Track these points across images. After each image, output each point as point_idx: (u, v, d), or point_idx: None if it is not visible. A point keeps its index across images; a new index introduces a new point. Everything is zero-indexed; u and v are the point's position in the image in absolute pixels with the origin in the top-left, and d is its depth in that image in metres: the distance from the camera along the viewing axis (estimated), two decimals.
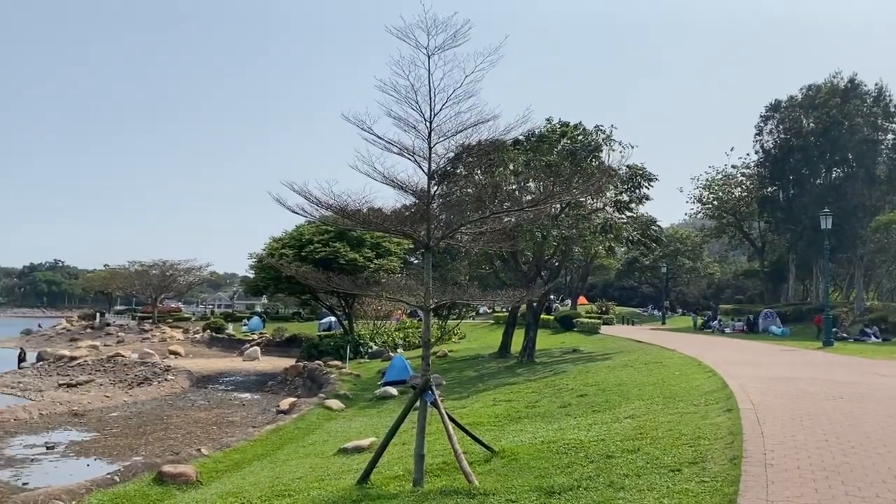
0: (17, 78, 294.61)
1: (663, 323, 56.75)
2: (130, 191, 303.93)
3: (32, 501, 10.59)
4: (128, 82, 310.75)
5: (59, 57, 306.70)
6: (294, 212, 9.32)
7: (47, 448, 18.88)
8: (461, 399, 19.25)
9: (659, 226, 33.52)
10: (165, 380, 33.96)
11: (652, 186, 29.44)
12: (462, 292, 10.07)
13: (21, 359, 46.08)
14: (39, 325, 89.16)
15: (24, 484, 14.79)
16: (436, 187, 9.09)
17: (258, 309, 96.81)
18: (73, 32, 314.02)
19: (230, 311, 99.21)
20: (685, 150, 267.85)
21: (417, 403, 8.54)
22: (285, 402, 23.20)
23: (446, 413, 8.38)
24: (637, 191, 29.35)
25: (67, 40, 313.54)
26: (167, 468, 12.27)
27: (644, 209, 31.14)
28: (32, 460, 17.46)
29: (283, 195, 9.00)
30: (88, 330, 75.66)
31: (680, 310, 75.03)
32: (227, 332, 63.52)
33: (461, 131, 8.64)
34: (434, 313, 12.42)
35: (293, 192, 8.81)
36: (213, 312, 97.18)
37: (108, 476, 12.57)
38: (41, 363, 44.89)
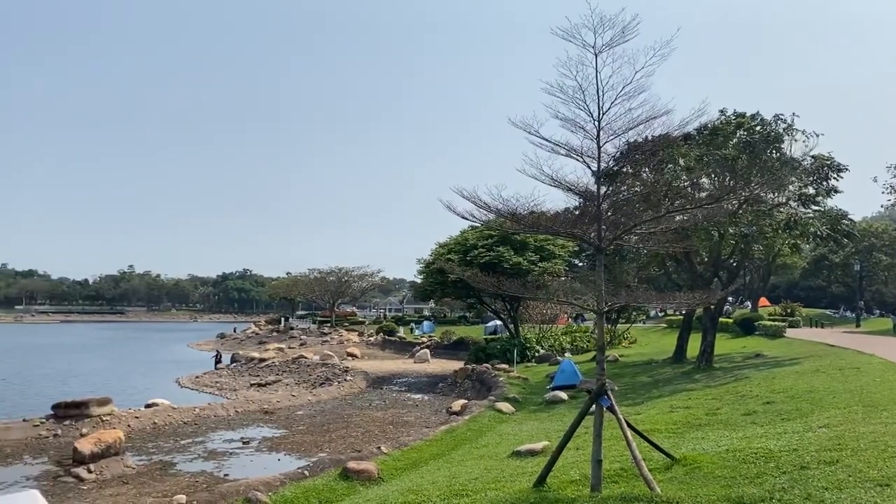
0: (215, 97, 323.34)
1: (857, 325, 51.89)
2: (306, 202, 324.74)
3: (235, 491, 11.56)
4: (308, 93, 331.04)
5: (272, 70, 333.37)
6: (464, 217, 9.50)
7: (243, 443, 20.51)
8: (635, 405, 18.69)
9: (851, 220, 30.68)
10: (345, 380, 35.81)
11: (841, 177, 27.04)
12: (637, 295, 9.76)
13: (217, 360, 50.57)
14: (235, 329, 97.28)
15: (225, 475, 16.15)
16: (604, 187, 8.92)
17: (426, 313, 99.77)
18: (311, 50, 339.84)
19: (400, 314, 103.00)
20: (880, 137, 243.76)
21: (593, 408, 8.39)
22: (456, 404, 23.65)
23: (624, 418, 8.17)
24: (824, 183, 27.07)
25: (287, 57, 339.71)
26: (351, 465, 12.91)
27: (833, 202, 28.66)
28: (231, 454, 19.02)
29: (454, 201, 9.20)
30: (274, 333, 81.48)
31: (877, 311, 68.27)
32: (398, 335, 65.99)
33: (632, 128, 8.42)
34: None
35: (463, 198, 8.99)
36: (385, 316, 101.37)
37: (299, 470, 13.45)
38: (234, 364, 48.97)
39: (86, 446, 15.67)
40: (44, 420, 20.56)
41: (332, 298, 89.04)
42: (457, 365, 38.38)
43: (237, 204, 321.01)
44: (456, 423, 19.04)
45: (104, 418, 20.85)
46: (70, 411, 20.73)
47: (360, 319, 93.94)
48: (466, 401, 24.77)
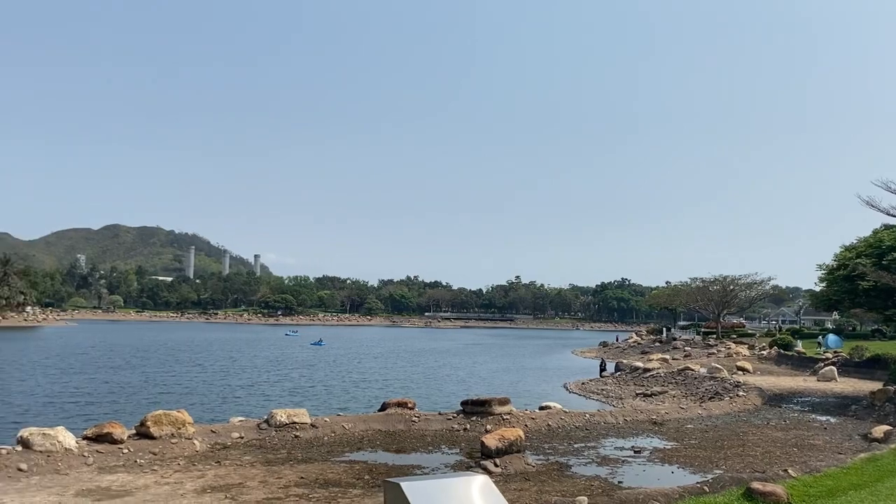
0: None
1: None
2: (686, 209, 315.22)
3: (634, 499, 11.49)
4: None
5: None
6: (889, 214, 8.15)
7: (634, 452, 20.38)
8: None
9: None
10: (737, 395, 33.58)
11: None
12: None
13: (602, 368, 51.52)
14: (617, 338, 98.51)
15: (619, 482, 16.17)
16: None
17: (828, 325, 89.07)
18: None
19: (796, 326, 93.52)
20: None
21: None
22: (878, 430, 20.49)
23: None
24: None
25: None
26: (756, 485, 11.92)
27: None
28: (623, 461, 19.02)
29: (876, 196, 7.93)
30: (656, 344, 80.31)
31: None
32: (795, 349, 59.91)
33: None
34: None
35: (890, 191, 7.69)
36: (778, 328, 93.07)
37: (698, 485, 12.85)
38: (619, 373, 49.34)
39: (492, 442, 17.03)
40: (455, 415, 22.96)
41: (717, 308, 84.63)
42: (871, 385, 33.36)
43: (614, 215, 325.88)
44: (880, 452, 16.44)
45: (504, 417, 22.55)
46: (475, 408, 22.83)
47: (749, 331, 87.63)
48: (890, 427, 21.30)
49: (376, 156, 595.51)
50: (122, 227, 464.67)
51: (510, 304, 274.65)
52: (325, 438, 20.05)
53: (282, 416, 20.29)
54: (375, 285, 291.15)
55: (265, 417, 20.62)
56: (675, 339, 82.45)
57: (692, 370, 43.97)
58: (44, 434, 16.07)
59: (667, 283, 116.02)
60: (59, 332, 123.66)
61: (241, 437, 19.14)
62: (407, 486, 6.61)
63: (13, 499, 12.86)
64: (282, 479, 14.90)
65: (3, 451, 15.43)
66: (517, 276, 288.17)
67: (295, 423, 20.25)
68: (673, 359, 58.89)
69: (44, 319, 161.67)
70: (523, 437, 17.99)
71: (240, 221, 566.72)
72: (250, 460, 16.81)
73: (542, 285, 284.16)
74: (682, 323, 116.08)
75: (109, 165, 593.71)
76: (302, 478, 15.00)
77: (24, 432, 16.20)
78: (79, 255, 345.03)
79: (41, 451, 15.62)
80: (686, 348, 70.13)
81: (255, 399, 38.45)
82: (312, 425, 20.62)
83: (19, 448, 15.72)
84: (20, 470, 14.82)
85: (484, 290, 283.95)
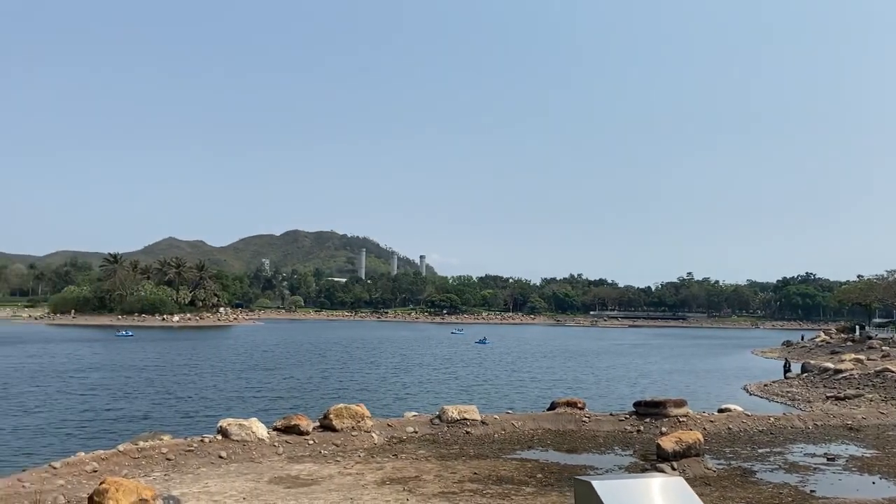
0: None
1: None
2: (862, 194, 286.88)
3: None
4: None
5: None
6: None
7: (828, 459, 18.79)
8: None
9: None
10: None
11: None
12: None
13: (786, 369, 48.03)
14: (802, 337, 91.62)
15: (811, 491, 14.99)
16: None
17: None
18: None
19: None
20: None
21: None
22: None
23: None
24: None
25: None
26: None
27: None
28: (815, 469, 17.60)
29: None
30: (848, 343, 73.75)
31: None
32: None
33: None
34: None
35: None
36: None
37: None
38: (805, 374, 45.78)
39: (668, 444, 16.38)
40: (627, 416, 22.34)
41: None
42: None
43: (795, 206, 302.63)
44: None
45: (680, 419, 21.62)
46: (649, 410, 22.08)
47: None
48: None
49: (537, 154, 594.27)
50: (300, 233, 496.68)
51: (681, 302, 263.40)
52: (496, 435, 20.23)
53: (453, 412, 20.73)
54: (538, 284, 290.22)
55: (437, 413, 21.16)
56: (870, 337, 75.23)
57: (892, 371, 39.89)
58: (240, 425, 17.49)
59: (858, 276, 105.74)
60: (248, 330, 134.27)
61: (416, 432, 19.77)
62: (599, 484, 6.45)
63: (215, 483, 14.09)
64: (455, 473, 15.21)
65: (206, 440, 16.97)
66: (689, 273, 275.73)
67: (465, 419, 20.62)
68: (869, 359, 53.65)
69: (234, 319, 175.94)
70: (702, 440, 17.16)
71: (406, 224, 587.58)
72: (425, 454, 17.31)
73: (716, 282, 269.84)
74: (877, 320, 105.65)
75: (288, 177, 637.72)
76: (475, 473, 15.23)
77: (223, 423, 17.72)
78: (263, 260, 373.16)
79: (238, 441, 17.01)
80: (883, 348, 63.69)
81: (426, 395, 39.62)
82: (483, 422, 20.89)
83: (219, 437, 17.22)
84: (220, 457, 16.22)
85: (652, 288, 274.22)
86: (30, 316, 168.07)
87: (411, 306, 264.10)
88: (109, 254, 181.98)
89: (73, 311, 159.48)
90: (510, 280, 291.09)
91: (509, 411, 24.24)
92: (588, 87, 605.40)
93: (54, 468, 14.27)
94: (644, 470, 16.18)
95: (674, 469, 15.89)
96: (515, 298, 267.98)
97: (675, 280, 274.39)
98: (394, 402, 36.45)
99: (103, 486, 10.42)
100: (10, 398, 35.70)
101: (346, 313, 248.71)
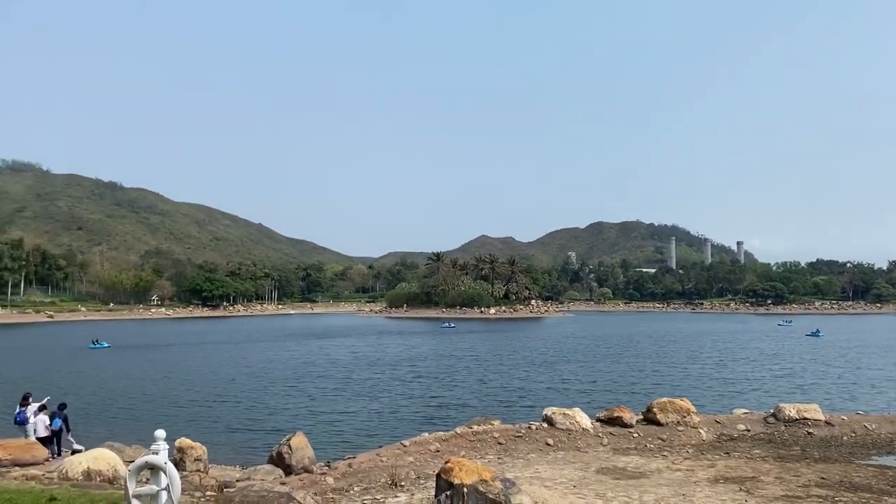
0: None
1: None
2: None
3: None
4: None
5: None
6: None
7: None
8: None
9: None
10: None
11: None
12: None
13: None
14: None
15: None
16: None
17: None
18: None
19: None
20: None
21: None
22: None
23: None
24: None
25: None
26: None
27: None
28: None
29: None
30: None
31: None
32: None
33: None
34: None
35: None
36: None
37: None
38: None
39: None
40: None
41: None
42: None
43: None
44: None
45: None
46: None
47: None
48: None
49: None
50: (605, 225, 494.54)
51: None
52: (844, 438, 18.08)
53: (790, 410, 19.00)
54: (885, 268, 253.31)
55: (771, 411, 19.57)
56: None
57: None
58: (564, 414, 17.91)
59: None
60: (558, 322, 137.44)
61: (748, 430, 18.48)
62: None
63: (545, 469, 14.58)
64: (799, 477, 13.88)
65: (534, 427, 17.66)
66: None
67: (806, 419, 18.76)
68: None
69: (545, 311, 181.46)
70: None
71: (719, 209, 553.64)
72: (760, 454, 16.08)
73: None
74: None
75: (591, 171, 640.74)
76: (823, 478, 13.74)
77: (548, 411, 18.29)
78: (570, 253, 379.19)
79: (563, 429, 17.42)
80: None
81: (753, 392, 36.82)
82: (827, 423, 18.83)
83: (545, 425, 17.81)
84: (547, 444, 16.76)
85: None
86: (370, 310, 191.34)
87: (729, 296, 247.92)
88: (433, 253, 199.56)
89: (404, 304, 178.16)
90: (847, 265, 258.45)
91: (860, 412, 21.52)
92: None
93: (404, 446, 15.97)
94: None
95: None
96: (855, 285, 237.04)
97: None
98: (717, 398, 34.49)
99: (448, 465, 11.34)
100: (354, 384, 40.85)
101: (657, 305, 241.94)
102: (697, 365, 52.73)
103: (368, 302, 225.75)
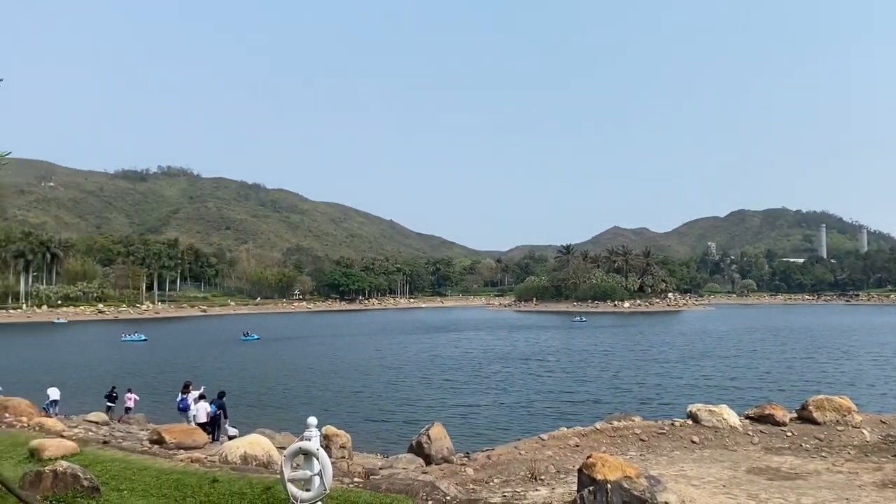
0: None
1: None
2: None
3: None
4: None
5: None
6: None
7: None
8: None
9: None
10: None
11: None
12: None
13: None
14: None
15: None
16: None
17: None
18: None
19: None
20: None
21: None
22: None
23: None
24: None
25: None
26: None
27: None
28: None
29: None
30: None
31: None
32: None
33: None
34: None
35: None
36: None
37: None
38: None
39: None
40: None
41: None
42: None
43: None
44: None
45: None
46: None
47: None
48: None
49: None
50: (747, 213, 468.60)
51: None
52: None
53: None
54: None
55: None
56: None
57: None
58: (709, 410, 17.12)
59: None
60: (698, 316, 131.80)
61: None
62: None
63: (691, 467, 13.98)
64: None
65: (677, 423, 17.00)
66: None
67: None
68: None
69: (684, 305, 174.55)
70: None
71: (876, 193, 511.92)
72: None
73: None
74: None
75: (730, 159, 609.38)
76: None
77: (693, 408, 17.55)
78: (709, 243, 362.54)
79: (709, 427, 16.66)
80: None
81: None
82: None
83: (689, 422, 17.10)
84: (693, 441, 16.08)
85: None
86: (499, 304, 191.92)
87: (889, 287, 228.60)
88: (563, 245, 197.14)
89: (534, 298, 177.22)
90: None
91: None
92: None
93: (543, 440, 15.84)
94: None
95: None
96: None
97: None
98: (880, 396, 31.90)
99: (591, 460, 11.11)
100: (485, 377, 41.01)
101: (807, 297, 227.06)
102: (856, 361, 48.97)
103: (497, 296, 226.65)
